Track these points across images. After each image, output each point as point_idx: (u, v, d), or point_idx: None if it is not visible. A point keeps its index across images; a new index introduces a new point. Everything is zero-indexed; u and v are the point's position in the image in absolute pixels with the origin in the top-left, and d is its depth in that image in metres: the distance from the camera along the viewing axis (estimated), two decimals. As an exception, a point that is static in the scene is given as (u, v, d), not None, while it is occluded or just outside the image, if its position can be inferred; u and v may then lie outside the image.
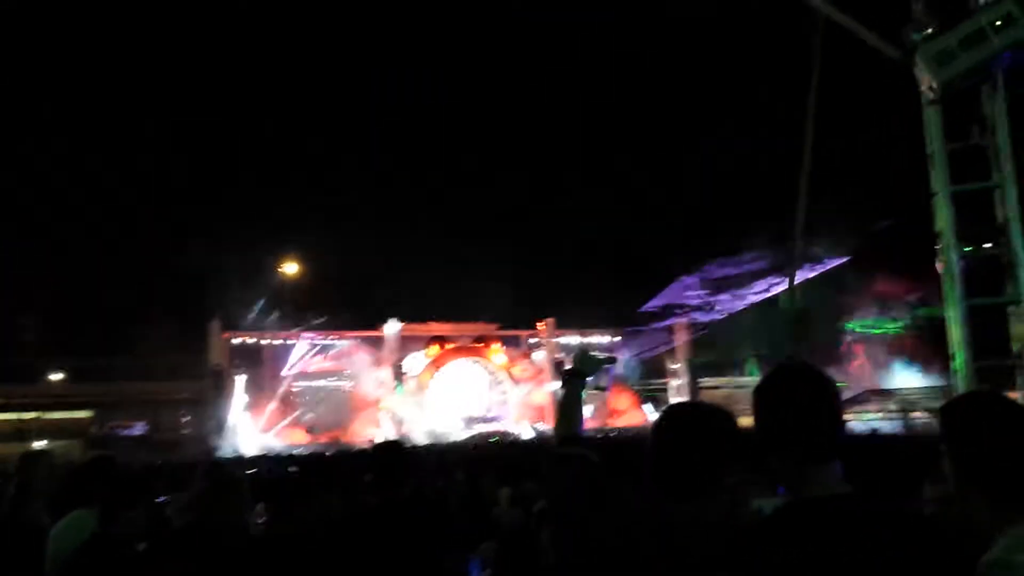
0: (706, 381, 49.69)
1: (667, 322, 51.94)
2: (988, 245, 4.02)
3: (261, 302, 45.85)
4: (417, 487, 4.20)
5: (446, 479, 10.81)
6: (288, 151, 56.76)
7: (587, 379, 2.77)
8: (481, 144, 58.03)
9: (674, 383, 51.56)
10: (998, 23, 3.88)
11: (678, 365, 51.38)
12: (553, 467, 2.58)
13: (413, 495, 4.01)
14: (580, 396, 2.72)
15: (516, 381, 48.22)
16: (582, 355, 2.81)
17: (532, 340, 52.49)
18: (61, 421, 47.26)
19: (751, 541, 1.98)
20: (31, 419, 47.78)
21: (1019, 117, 4.19)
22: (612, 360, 2.99)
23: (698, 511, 2.18)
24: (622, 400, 50.55)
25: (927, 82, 4.09)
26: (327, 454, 24.63)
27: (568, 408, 2.69)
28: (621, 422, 45.43)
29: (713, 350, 50.11)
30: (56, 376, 50.52)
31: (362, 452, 16.74)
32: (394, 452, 4.19)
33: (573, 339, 52.18)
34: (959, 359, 4.06)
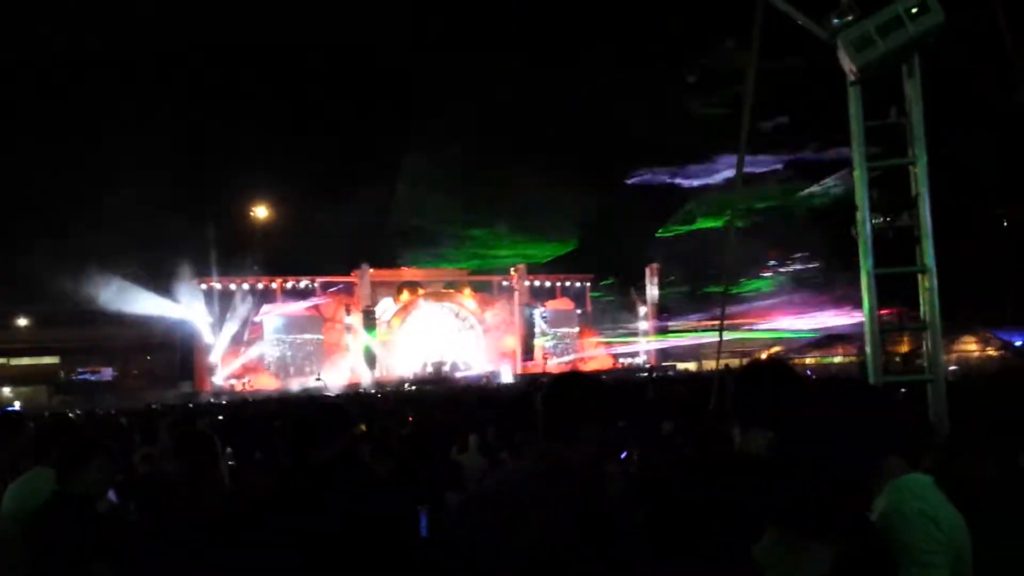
0: (675, 324, 50.42)
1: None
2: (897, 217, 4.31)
3: (232, 247, 45.83)
4: (347, 446, 3.74)
5: (394, 423, 11.08)
6: (262, 93, 55.39)
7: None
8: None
9: (642, 326, 52.10)
10: (914, 11, 4.12)
11: (646, 309, 51.82)
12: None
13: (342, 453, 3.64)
14: None
15: (487, 327, 48.60)
16: None
17: (504, 284, 52.68)
18: (28, 367, 47.18)
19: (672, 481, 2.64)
20: (-1, 365, 47.69)
21: (932, 97, 4.46)
22: None
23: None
24: (589, 344, 51.24)
25: (848, 64, 4.35)
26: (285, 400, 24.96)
27: None
28: (590, 367, 46.04)
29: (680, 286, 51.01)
30: (23, 322, 50.27)
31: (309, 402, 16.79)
32: (322, 410, 3.88)
33: (545, 283, 52.54)
34: (868, 324, 4.40)
